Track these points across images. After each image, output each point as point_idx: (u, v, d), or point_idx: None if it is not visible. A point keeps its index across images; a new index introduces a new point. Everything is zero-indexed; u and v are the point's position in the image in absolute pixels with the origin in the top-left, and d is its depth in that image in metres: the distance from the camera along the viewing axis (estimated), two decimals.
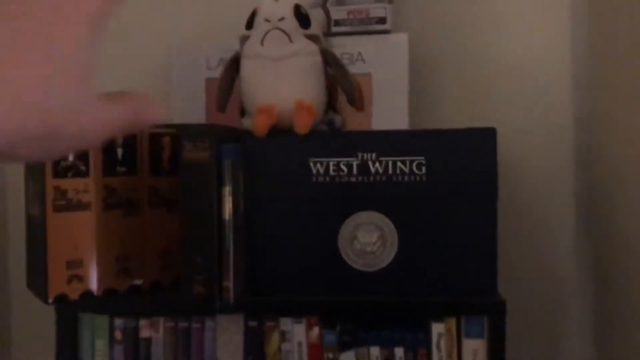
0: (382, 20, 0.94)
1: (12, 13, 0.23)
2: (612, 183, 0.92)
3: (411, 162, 0.80)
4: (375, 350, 0.81)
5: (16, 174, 1.19)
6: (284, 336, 0.82)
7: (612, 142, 0.92)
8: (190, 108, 1.03)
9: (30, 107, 0.23)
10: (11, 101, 0.23)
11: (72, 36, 0.25)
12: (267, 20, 0.82)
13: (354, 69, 0.91)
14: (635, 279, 0.84)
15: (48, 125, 0.24)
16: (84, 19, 0.25)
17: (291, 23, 0.81)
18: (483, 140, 0.80)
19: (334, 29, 0.94)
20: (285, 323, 0.82)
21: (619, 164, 0.89)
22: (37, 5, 0.24)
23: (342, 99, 0.88)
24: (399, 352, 0.81)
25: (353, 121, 0.93)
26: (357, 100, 0.86)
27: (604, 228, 0.95)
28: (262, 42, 0.82)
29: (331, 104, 0.90)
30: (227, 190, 0.81)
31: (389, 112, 0.95)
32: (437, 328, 0.80)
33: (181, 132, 0.80)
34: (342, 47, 0.95)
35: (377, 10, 0.94)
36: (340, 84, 0.86)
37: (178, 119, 1.02)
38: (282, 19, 0.81)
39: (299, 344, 0.82)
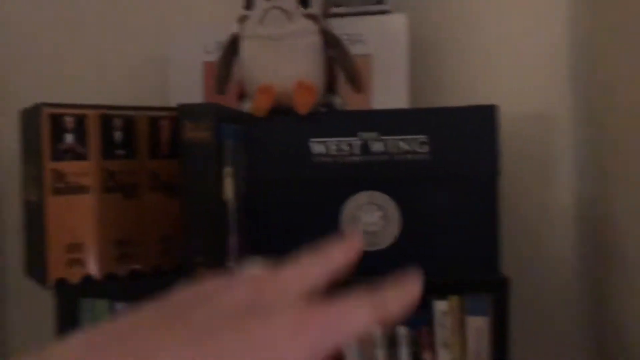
0: (380, 1, 0.93)
1: None
2: (612, 166, 0.92)
3: (413, 140, 0.80)
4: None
5: (9, 160, 1.18)
6: None
7: (614, 122, 0.92)
8: (189, 93, 1.02)
9: None
10: None
11: None
12: (266, 0, 0.81)
13: (353, 50, 0.91)
14: (636, 259, 0.84)
15: None
16: None
17: (290, 2, 0.81)
18: (485, 118, 0.79)
19: (333, 10, 0.94)
20: None
21: (619, 145, 0.89)
22: None
23: (341, 80, 0.88)
24: (401, 331, 0.81)
25: (352, 103, 0.93)
26: (357, 82, 0.86)
27: (603, 208, 0.96)
28: (261, 22, 0.81)
29: (330, 86, 0.90)
30: (228, 171, 0.80)
31: (389, 93, 0.95)
32: (440, 306, 0.80)
33: (182, 111, 0.79)
34: (342, 28, 0.94)
35: None
36: (340, 65, 0.86)
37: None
38: None
39: None
